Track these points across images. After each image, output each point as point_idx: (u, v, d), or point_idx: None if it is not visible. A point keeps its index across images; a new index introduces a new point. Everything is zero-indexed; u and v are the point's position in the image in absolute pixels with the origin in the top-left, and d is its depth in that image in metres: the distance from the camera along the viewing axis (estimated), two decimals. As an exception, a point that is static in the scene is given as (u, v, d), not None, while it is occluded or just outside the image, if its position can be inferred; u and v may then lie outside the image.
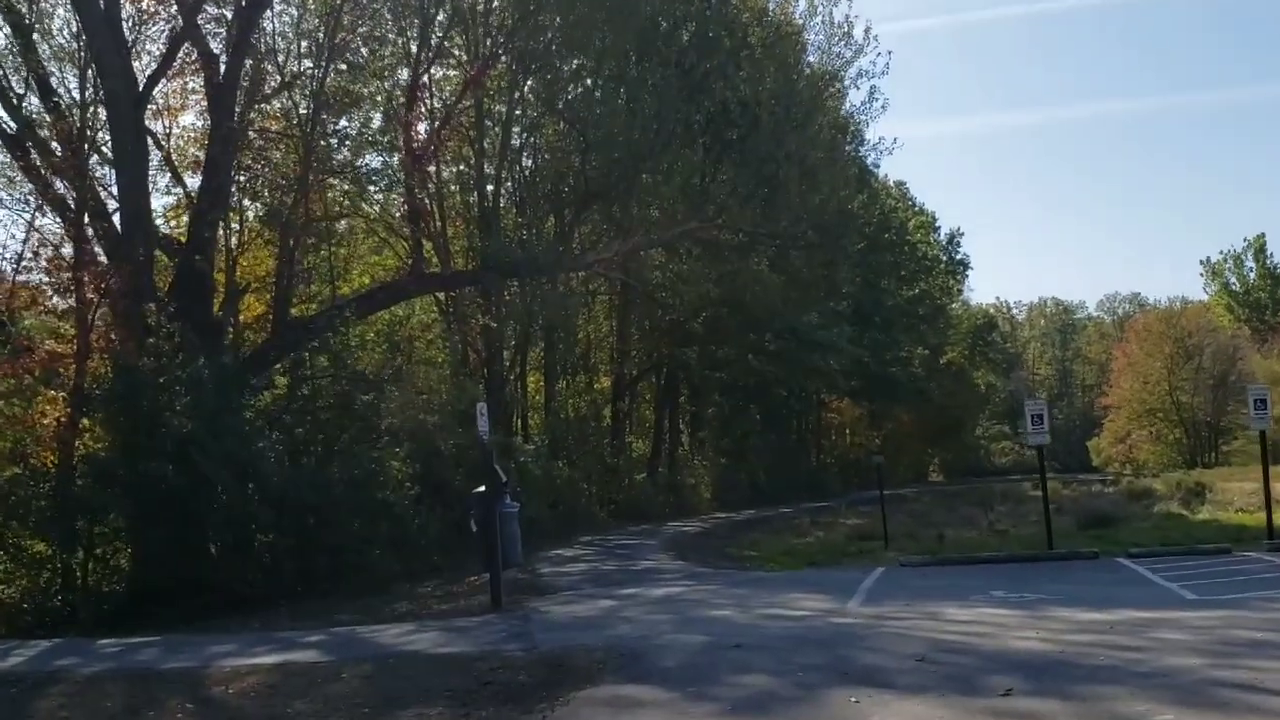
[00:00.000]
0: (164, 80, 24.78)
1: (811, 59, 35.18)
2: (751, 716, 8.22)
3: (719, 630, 11.88)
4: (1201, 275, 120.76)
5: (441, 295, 35.02)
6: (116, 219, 22.48)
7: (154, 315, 20.76)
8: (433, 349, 37.38)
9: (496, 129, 34.19)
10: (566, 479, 36.42)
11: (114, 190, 23.01)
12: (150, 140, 24.59)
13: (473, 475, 27.69)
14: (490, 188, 33.63)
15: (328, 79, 26.26)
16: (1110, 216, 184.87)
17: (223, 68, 24.03)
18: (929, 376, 78.59)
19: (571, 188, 31.90)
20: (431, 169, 33.81)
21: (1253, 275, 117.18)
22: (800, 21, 34.76)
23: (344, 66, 26.81)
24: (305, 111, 26.53)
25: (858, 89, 35.55)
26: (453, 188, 36.43)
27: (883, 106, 35.03)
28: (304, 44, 26.54)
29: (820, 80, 33.64)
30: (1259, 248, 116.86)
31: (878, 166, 44.60)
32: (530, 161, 35.62)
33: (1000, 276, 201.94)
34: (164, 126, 26.22)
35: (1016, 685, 8.35)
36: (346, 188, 27.10)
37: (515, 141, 35.27)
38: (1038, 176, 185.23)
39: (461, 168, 35.80)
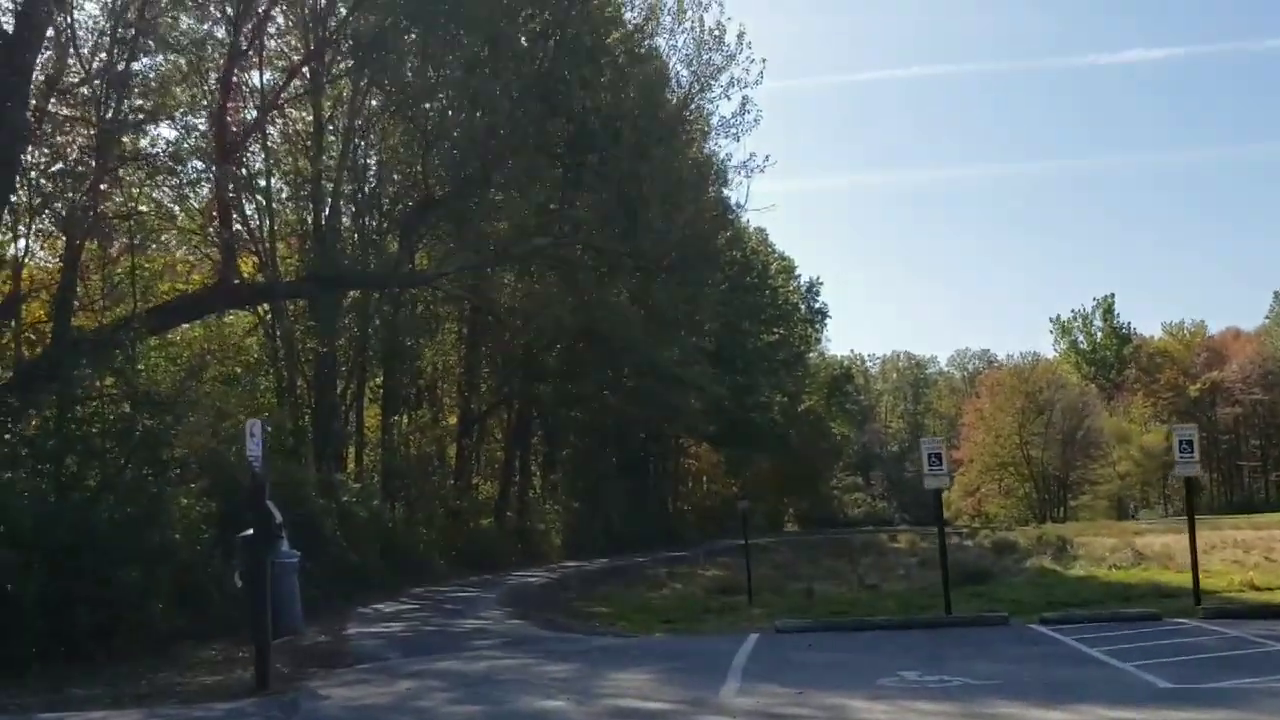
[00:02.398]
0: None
1: (680, 69, 32.55)
2: None
3: (545, 738, 8.88)
4: (1051, 333, 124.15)
5: (267, 315, 31.59)
6: None
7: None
8: (260, 375, 33.98)
9: (337, 141, 30.92)
10: (403, 521, 33.07)
11: None
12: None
13: (289, 514, 24.34)
14: (329, 200, 30.24)
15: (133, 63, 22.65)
16: (964, 275, 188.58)
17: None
18: (788, 424, 77.35)
19: (415, 199, 28.55)
20: (263, 182, 30.52)
21: (1100, 334, 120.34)
22: (668, 23, 32.06)
23: (151, 44, 23.23)
24: (102, 96, 22.78)
25: (729, 99, 32.38)
26: (285, 199, 33.06)
27: (755, 119, 32.24)
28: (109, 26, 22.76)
29: (690, 94, 31.02)
30: (1107, 307, 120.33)
31: (740, 207, 41.48)
32: (374, 173, 32.32)
33: (854, 331, 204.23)
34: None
35: None
36: (141, 177, 23.30)
37: (360, 158, 32.01)
38: (894, 235, 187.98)
39: (296, 178, 32.47)
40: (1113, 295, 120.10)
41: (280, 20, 24.31)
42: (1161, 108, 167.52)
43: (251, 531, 11.17)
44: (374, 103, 30.02)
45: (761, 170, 32.70)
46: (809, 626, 16.48)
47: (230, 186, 23.52)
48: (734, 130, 33.21)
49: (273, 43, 25.34)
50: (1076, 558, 31.40)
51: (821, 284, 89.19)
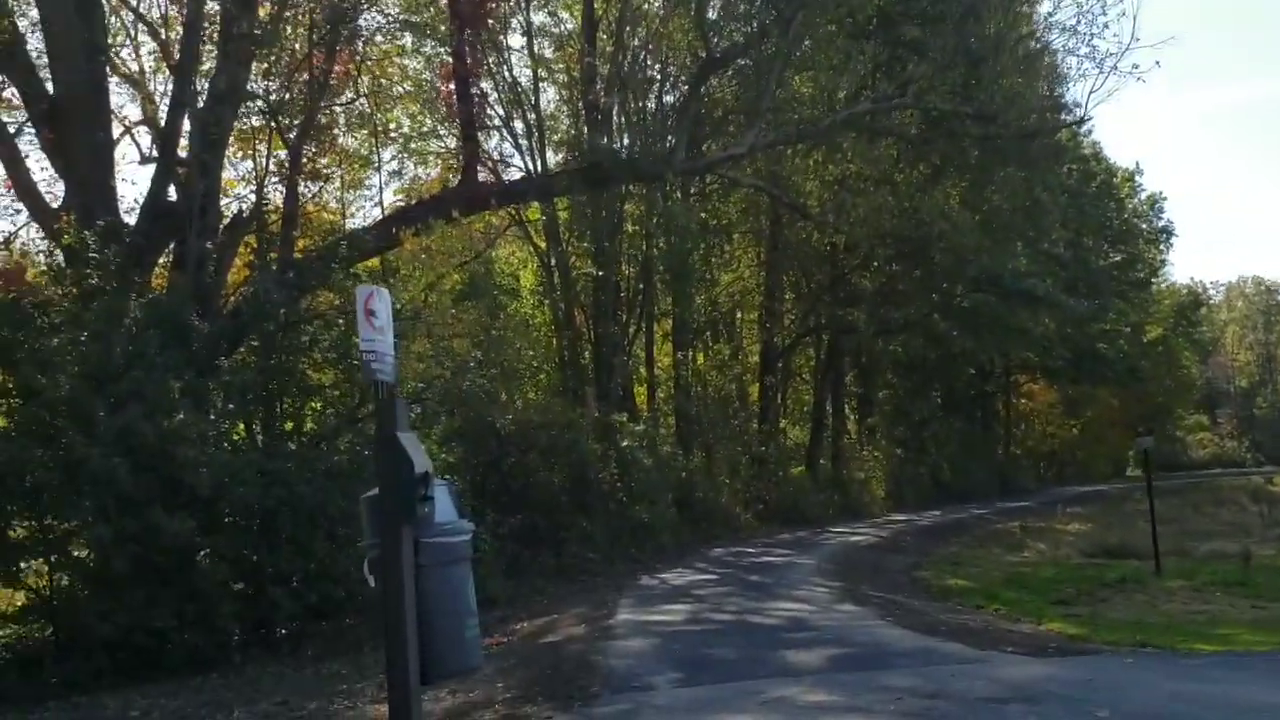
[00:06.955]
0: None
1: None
2: None
3: None
4: None
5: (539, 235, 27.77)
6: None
7: (72, 231, 13.96)
8: (529, 304, 30.64)
9: (609, 40, 26.21)
10: (700, 470, 28.34)
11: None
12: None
13: (559, 463, 19.81)
14: (601, 94, 25.53)
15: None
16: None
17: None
18: (1137, 355, 67.74)
19: (695, 67, 23.07)
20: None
21: None
22: None
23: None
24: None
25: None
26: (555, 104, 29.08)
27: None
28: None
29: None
30: None
31: (1078, 106, 32.11)
32: (646, 53, 27.41)
33: (1192, 255, 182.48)
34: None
35: None
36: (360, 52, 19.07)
37: (631, 43, 27.20)
38: (1231, 149, 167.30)
39: (567, 76, 28.25)
40: None
41: None
42: None
43: (378, 490, 5.91)
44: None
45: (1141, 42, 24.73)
46: None
47: (468, 60, 18.88)
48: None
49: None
50: None
51: (1165, 199, 77.94)
